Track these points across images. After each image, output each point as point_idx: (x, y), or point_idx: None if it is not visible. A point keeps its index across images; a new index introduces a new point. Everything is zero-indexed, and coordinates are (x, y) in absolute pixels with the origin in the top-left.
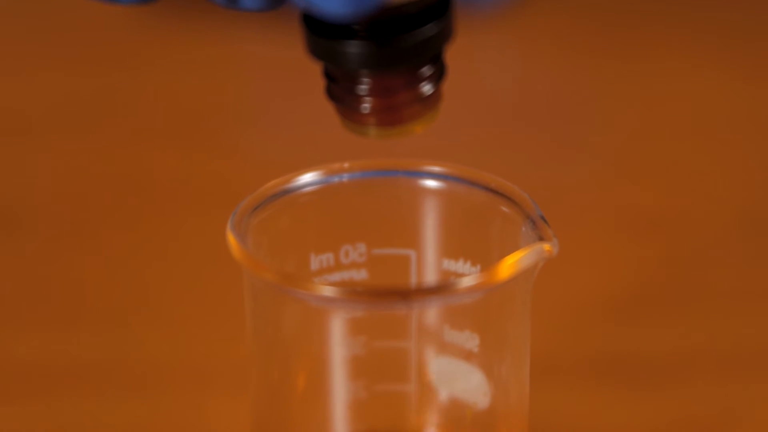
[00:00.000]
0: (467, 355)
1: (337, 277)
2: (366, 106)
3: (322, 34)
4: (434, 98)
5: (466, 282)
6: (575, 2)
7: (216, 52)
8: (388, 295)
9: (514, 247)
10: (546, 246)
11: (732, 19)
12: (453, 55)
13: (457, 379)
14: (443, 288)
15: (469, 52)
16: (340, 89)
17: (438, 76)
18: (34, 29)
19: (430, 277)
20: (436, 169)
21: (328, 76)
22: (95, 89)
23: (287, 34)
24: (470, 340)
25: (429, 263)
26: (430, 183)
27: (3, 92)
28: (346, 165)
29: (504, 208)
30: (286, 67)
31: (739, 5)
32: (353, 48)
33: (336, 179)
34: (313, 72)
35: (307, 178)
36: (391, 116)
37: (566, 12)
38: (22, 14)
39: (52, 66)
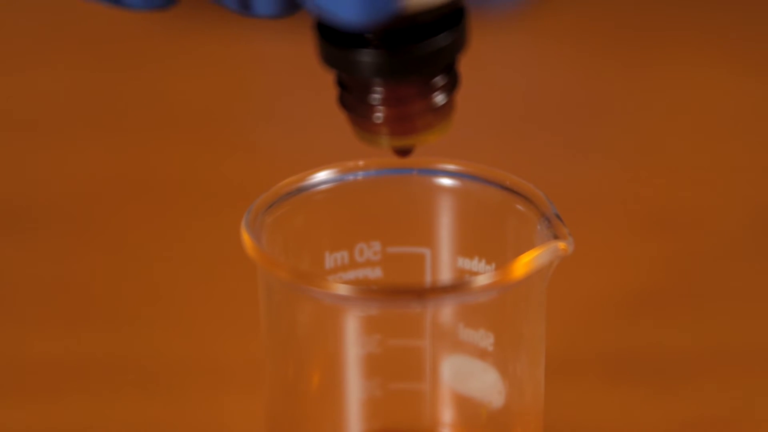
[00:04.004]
0: (482, 354)
1: (351, 275)
2: (379, 115)
3: (335, 42)
4: (447, 108)
5: (481, 280)
6: (589, 3)
7: (229, 51)
8: (403, 293)
9: (529, 246)
10: (561, 244)
11: (745, 20)
12: (468, 54)
13: (471, 377)
14: (458, 286)
15: (483, 53)
16: (352, 98)
17: (451, 87)
18: (46, 26)
19: (445, 276)
20: (450, 167)
21: (341, 84)
22: (107, 88)
23: (300, 33)
24: (485, 339)
25: (444, 261)
26: (445, 181)
27: (13, 89)
28: (360, 163)
29: (519, 207)
30: (299, 66)
31: (753, 6)
32: (366, 57)
33: (351, 177)
34: (326, 71)
35: (322, 176)
36: (403, 126)
37: (580, 13)
38: (34, 11)
39: (65, 64)
